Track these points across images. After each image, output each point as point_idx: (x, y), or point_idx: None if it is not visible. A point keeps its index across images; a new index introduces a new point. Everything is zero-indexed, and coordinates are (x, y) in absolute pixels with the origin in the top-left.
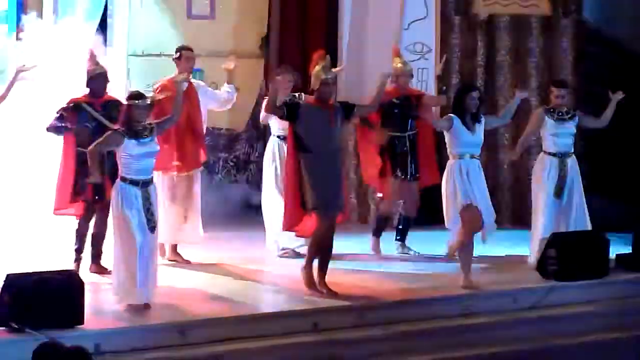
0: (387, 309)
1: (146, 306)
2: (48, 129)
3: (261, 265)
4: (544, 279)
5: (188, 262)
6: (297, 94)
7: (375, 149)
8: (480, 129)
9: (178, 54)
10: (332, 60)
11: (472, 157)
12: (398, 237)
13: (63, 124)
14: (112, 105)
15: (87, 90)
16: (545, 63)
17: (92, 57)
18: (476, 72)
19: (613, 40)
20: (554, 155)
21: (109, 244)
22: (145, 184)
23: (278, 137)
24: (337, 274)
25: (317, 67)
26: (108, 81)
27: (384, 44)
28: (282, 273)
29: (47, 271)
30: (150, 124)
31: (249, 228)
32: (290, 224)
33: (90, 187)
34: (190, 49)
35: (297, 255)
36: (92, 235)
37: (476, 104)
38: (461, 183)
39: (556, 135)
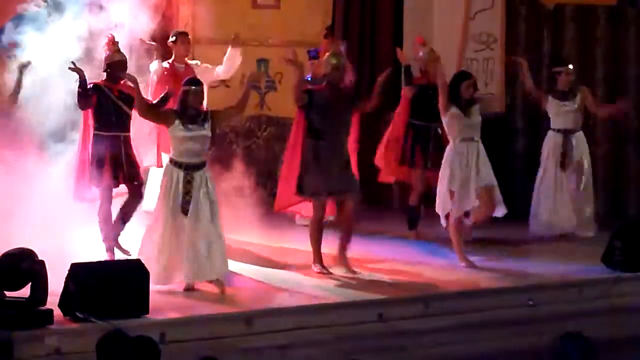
0: (452, 299)
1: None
2: (78, 98)
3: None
4: (609, 269)
5: None
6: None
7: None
8: (477, 112)
9: (174, 37)
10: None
11: (472, 140)
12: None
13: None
14: (127, 94)
15: (104, 76)
16: (612, 53)
17: (113, 42)
18: (542, 62)
19: None
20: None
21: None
22: (189, 167)
23: None
24: (400, 265)
25: (328, 54)
26: (126, 69)
27: (450, 34)
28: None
29: (111, 260)
30: (206, 110)
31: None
32: (283, 206)
33: (108, 172)
34: (186, 34)
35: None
36: (118, 215)
37: (471, 91)
38: (454, 169)
39: (558, 115)
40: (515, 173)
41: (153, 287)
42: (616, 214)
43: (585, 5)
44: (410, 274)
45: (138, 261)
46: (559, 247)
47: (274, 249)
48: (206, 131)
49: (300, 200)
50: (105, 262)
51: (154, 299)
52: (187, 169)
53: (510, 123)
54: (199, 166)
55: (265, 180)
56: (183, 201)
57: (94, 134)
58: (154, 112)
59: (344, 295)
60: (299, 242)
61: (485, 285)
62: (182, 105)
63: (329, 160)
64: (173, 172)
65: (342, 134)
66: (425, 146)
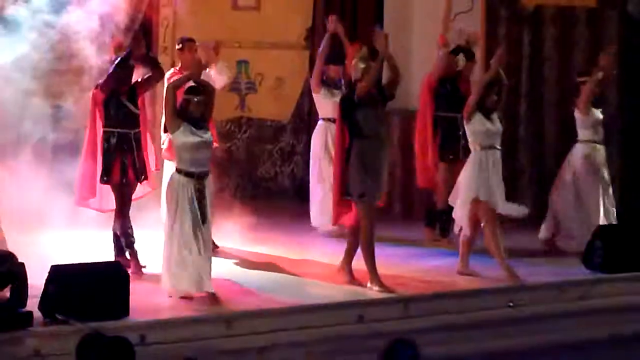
0: (432, 300)
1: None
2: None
3: (305, 256)
4: (590, 270)
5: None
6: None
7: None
8: (497, 119)
9: (180, 45)
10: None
11: (491, 147)
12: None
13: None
14: (135, 93)
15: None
16: (591, 55)
17: (120, 47)
18: (522, 64)
19: None
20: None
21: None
22: (200, 176)
23: (328, 119)
24: (379, 267)
25: (355, 59)
26: (133, 72)
27: (430, 35)
28: (325, 263)
29: (92, 262)
30: (204, 118)
31: (293, 218)
32: (338, 217)
33: (117, 170)
34: (193, 41)
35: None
36: (113, 228)
37: (494, 98)
38: (477, 176)
39: (595, 126)
40: None
41: (133, 289)
42: None
43: (565, 6)
44: (390, 276)
45: (118, 263)
46: (538, 247)
47: (254, 251)
48: (210, 136)
49: (349, 205)
50: (86, 264)
51: (134, 300)
52: (198, 178)
53: None
54: (207, 174)
55: (245, 182)
56: (200, 211)
57: (103, 132)
58: (174, 100)
59: (324, 297)
60: (279, 244)
61: (465, 286)
62: (182, 114)
63: (379, 163)
64: (185, 183)
65: (383, 134)
66: (455, 139)
